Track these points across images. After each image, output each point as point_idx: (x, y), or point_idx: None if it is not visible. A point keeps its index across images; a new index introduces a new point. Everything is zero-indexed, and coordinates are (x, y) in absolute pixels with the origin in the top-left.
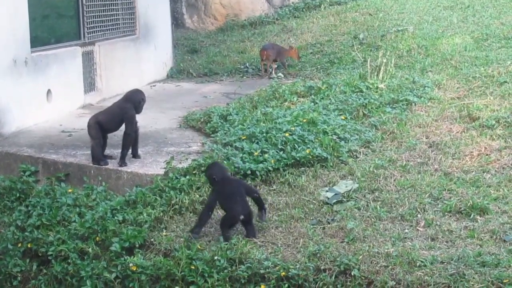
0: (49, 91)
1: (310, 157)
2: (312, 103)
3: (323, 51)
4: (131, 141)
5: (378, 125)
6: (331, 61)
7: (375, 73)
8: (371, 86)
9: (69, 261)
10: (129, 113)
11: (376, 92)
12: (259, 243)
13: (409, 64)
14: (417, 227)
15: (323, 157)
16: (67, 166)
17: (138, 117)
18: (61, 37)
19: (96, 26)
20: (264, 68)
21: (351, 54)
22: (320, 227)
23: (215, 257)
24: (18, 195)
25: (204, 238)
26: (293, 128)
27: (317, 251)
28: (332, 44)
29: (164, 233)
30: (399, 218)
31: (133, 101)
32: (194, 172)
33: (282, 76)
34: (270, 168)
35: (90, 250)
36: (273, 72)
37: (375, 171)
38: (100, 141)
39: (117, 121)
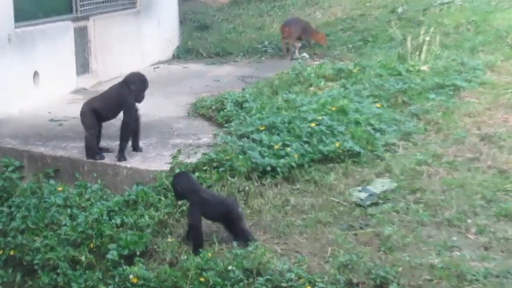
0: (36, 73)
1: (340, 151)
2: (342, 88)
3: (355, 28)
4: (130, 132)
5: (420, 114)
6: (365, 39)
7: (417, 53)
8: (411, 69)
9: (58, 271)
10: (127, 99)
11: (418, 75)
12: (280, 251)
13: (456, 43)
14: (467, 234)
15: (355, 152)
16: (56, 161)
17: (140, 104)
18: (50, 10)
19: None
20: (286, 47)
21: (388, 31)
22: (352, 233)
23: (229, 267)
24: None
25: (215, 245)
26: (320, 118)
27: (348, 262)
28: (366, 19)
29: (169, 239)
30: (446, 223)
31: (133, 86)
32: (204, 168)
33: (307, 56)
34: (293, 164)
35: (83, 258)
36: (297, 51)
37: (417, 168)
38: (95, 131)
39: (114, 108)
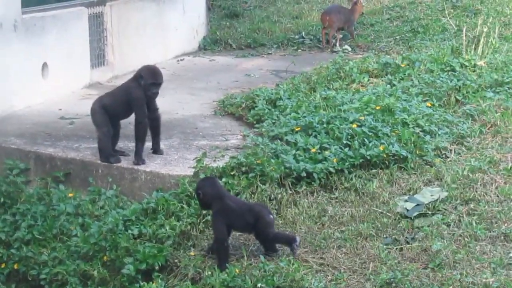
0: (45, 65)
1: (385, 155)
2: (388, 85)
3: (403, 17)
4: (145, 131)
5: (476, 114)
6: (414, 29)
7: (473, 47)
8: (466, 64)
9: (67, 287)
10: (135, 94)
11: (474, 71)
12: (315, 267)
13: None
14: None
15: (401, 156)
16: (67, 163)
17: (161, 100)
18: None
19: None
20: (325, 38)
21: (441, 21)
22: (397, 248)
23: (258, 285)
24: (2, 200)
25: (244, 260)
26: (362, 118)
27: (392, 279)
28: (416, 8)
29: (192, 252)
30: (502, 238)
31: (142, 80)
32: (232, 173)
33: (349, 49)
34: (331, 169)
35: (95, 273)
36: (338, 43)
37: (471, 175)
38: (109, 130)
39: (123, 105)
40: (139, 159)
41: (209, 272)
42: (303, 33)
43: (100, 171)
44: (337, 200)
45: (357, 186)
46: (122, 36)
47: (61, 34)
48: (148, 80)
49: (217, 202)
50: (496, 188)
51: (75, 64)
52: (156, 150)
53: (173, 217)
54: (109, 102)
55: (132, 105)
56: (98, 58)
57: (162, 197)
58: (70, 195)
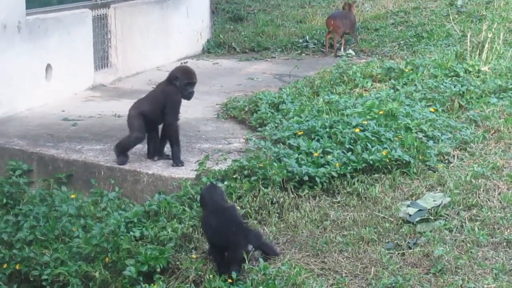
0: (48, 66)
1: (387, 160)
2: (392, 90)
3: (408, 22)
4: (177, 133)
5: (479, 120)
6: (418, 35)
7: (477, 52)
8: (470, 69)
9: None
10: (174, 97)
11: (478, 77)
12: (317, 271)
13: None
14: None
15: (404, 161)
16: (70, 165)
17: None
18: None
19: None
20: (329, 42)
21: (445, 27)
22: (398, 253)
23: None
24: (5, 201)
25: (244, 264)
26: (365, 122)
27: (393, 284)
28: (421, 13)
29: (193, 255)
30: (504, 244)
31: (178, 81)
32: (234, 176)
33: (353, 53)
34: (334, 173)
35: (97, 274)
36: (342, 48)
37: (474, 181)
38: (139, 137)
39: (162, 109)
40: (178, 161)
41: (211, 276)
42: (307, 37)
43: (102, 173)
44: (339, 204)
45: (360, 190)
46: (126, 39)
47: (65, 36)
48: (183, 80)
49: (204, 213)
50: (499, 194)
51: (79, 66)
52: (159, 153)
53: (175, 220)
54: (149, 109)
55: (168, 108)
56: (102, 60)
57: (164, 200)
58: (73, 196)
